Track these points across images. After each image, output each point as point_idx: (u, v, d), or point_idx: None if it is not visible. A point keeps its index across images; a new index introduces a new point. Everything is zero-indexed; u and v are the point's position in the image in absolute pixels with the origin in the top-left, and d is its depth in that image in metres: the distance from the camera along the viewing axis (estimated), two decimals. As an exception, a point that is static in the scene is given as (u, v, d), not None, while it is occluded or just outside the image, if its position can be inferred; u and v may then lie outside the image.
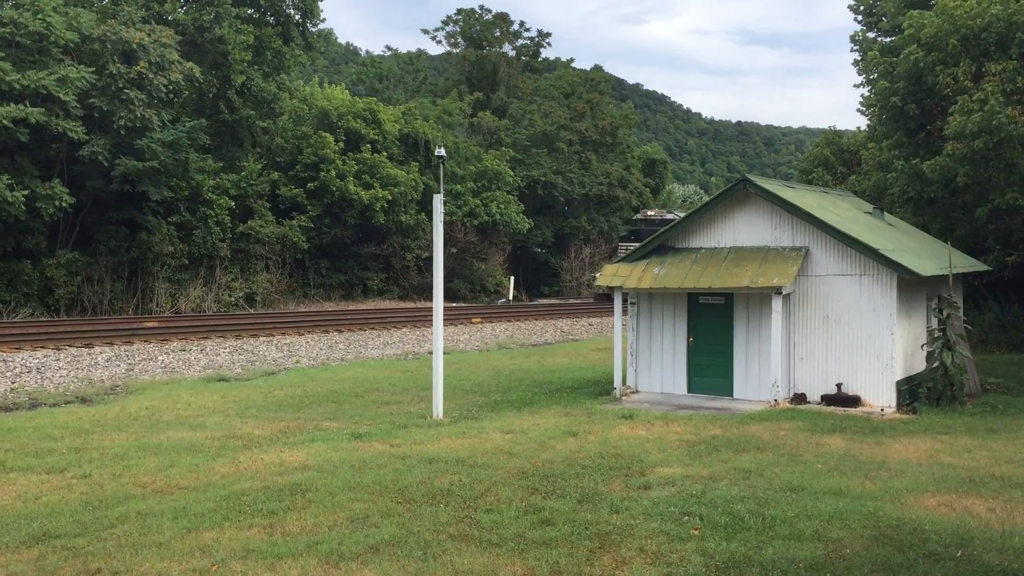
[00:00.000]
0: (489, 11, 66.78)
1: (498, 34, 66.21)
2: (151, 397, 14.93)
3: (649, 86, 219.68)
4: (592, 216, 58.52)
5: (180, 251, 31.87)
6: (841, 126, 50.52)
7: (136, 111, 28.37)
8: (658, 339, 15.30)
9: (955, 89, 20.00)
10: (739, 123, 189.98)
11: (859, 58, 30.26)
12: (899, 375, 13.78)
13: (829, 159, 35.14)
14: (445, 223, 17.09)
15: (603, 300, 38.91)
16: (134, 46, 28.54)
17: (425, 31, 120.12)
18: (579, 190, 57.82)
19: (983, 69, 19.79)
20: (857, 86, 29.62)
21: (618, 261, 15.88)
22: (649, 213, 39.68)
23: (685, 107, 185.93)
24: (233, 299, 33.20)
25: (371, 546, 6.70)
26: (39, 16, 26.21)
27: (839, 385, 13.85)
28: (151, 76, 28.75)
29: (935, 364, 13.91)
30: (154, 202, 30.92)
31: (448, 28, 67.15)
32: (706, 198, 69.78)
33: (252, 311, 32.34)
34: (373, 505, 7.83)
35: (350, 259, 40.14)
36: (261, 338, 23.08)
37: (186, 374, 18.11)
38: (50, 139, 27.72)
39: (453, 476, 8.87)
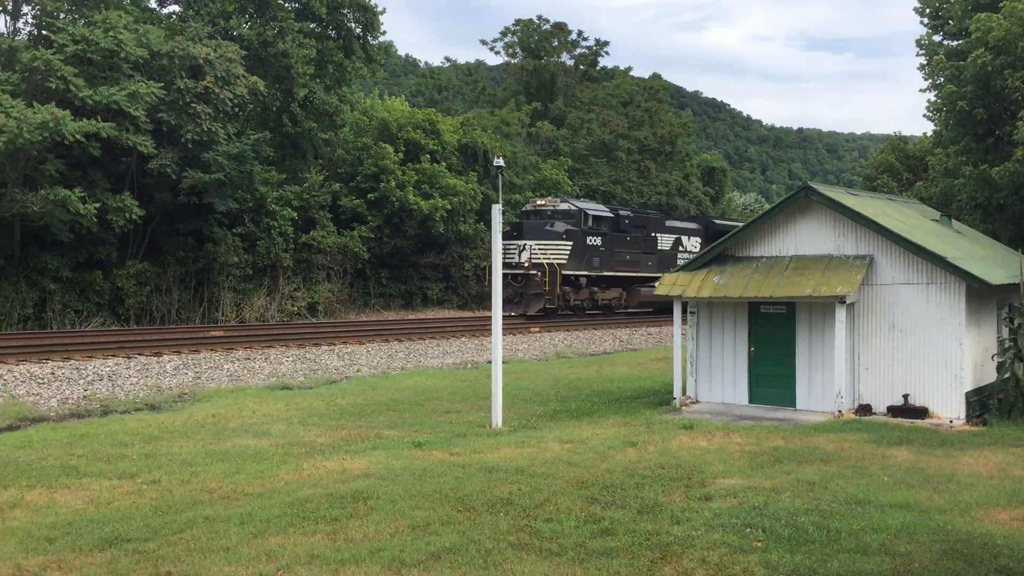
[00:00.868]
0: (547, 21, 67.00)
1: (556, 44, 66.34)
2: (217, 405, 15.23)
3: (708, 93, 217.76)
4: (651, 225, 58.30)
5: (245, 261, 32.50)
6: (906, 132, 49.54)
7: (203, 125, 29.04)
8: (718, 349, 15.16)
9: (1025, 93, 19.53)
10: (800, 130, 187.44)
11: (925, 62, 29.70)
12: (968, 386, 13.45)
13: (894, 165, 34.47)
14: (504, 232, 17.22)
15: (652, 309, 38.60)
16: (201, 61, 29.23)
17: (483, 42, 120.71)
18: (637, 199, 57.60)
19: (1055, 72, 19.30)
20: (923, 91, 29.10)
21: (677, 270, 15.79)
22: (539, 203, 35.82)
23: (745, 114, 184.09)
24: (296, 308, 33.74)
25: (432, 553, 6.77)
26: (110, 33, 26.99)
27: (906, 396, 13.58)
28: (217, 90, 29.41)
29: (1006, 375, 13.55)
30: (220, 213, 31.59)
31: (506, 39, 67.49)
32: (767, 206, 68.86)
33: (314, 320, 32.82)
34: (434, 513, 7.90)
35: (410, 269, 40.49)
36: (323, 347, 23.40)
37: (251, 382, 18.44)
38: (121, 153, 28.50)
39: (513, 485, 8.91)
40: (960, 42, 27.05)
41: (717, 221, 41.84)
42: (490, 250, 30.00)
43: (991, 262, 15.35)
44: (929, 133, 34.52)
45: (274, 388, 17.71)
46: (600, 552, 6.82)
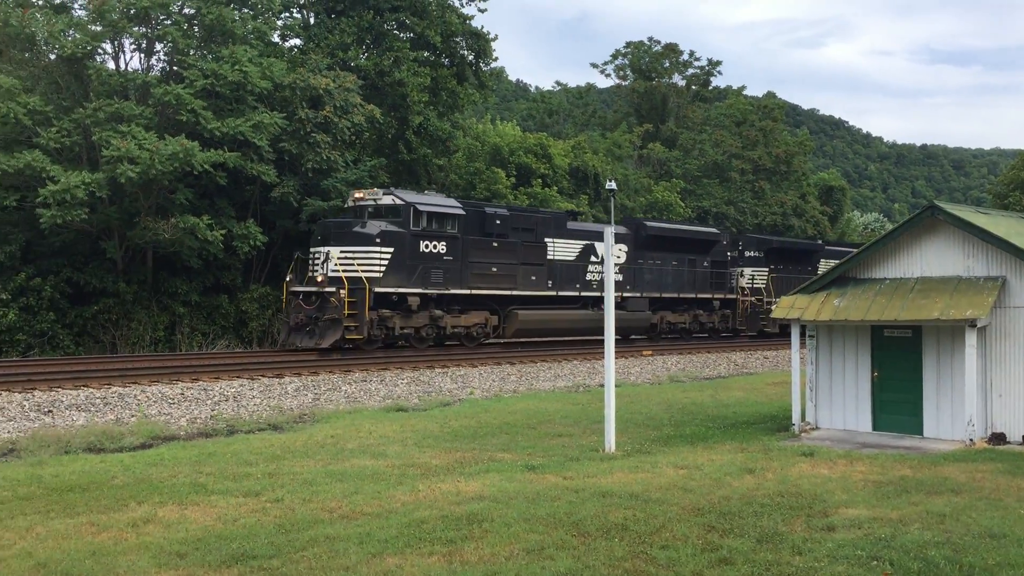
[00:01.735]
0: (658, 42, 66.80)
1: (667, 65, 65.98)
2: (336, 426, 15.60)
3: (826, 111, 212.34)
4: (766, 246, 57.12)
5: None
6: (1040, 146, 47.25)
7: (322, 153, 30.02)
8: (839, 373, 14.69)
9: None
10: (924, 146, 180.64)
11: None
12: (1113, 415, 12.62)
13: (1027, 181, 32.83)
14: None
15: (757, 333, 37.65)
16: (321, 92, 30.25)
17: (594, 65, 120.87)
18: (751, 220, 56.50)
19: None
20: (1059, 103, 27.70)
21: (795, 293, 15.41)
22: (357, 195, 26.64)
23: (864, 131, 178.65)
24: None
25: (547, 578, 6.75)
26: (236, 67, 28.21)
27: (1043, 425, 12.86)
28: (336, 120, 30.37)
29: None
30: (337, 239, 32.47)
31: (617, 61, 67.54)
32: (889, 226, 66.52)
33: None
34: (548, 537, 7.89)
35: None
36: (436, 369, 23.72)
37: (367, 404, 18.83)
38: (245, 182, 29.69)
39: (627, 510, 8.82)
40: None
41: (651, 224, 34.01)
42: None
43: None
44: (1065, 147, 33.05)
45: (389, 410, 18.03)
46: (718, 582, 6.68)
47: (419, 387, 21.25)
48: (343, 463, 11.97)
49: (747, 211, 56.93)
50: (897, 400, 14.12)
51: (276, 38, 34.82)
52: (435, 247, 25.52)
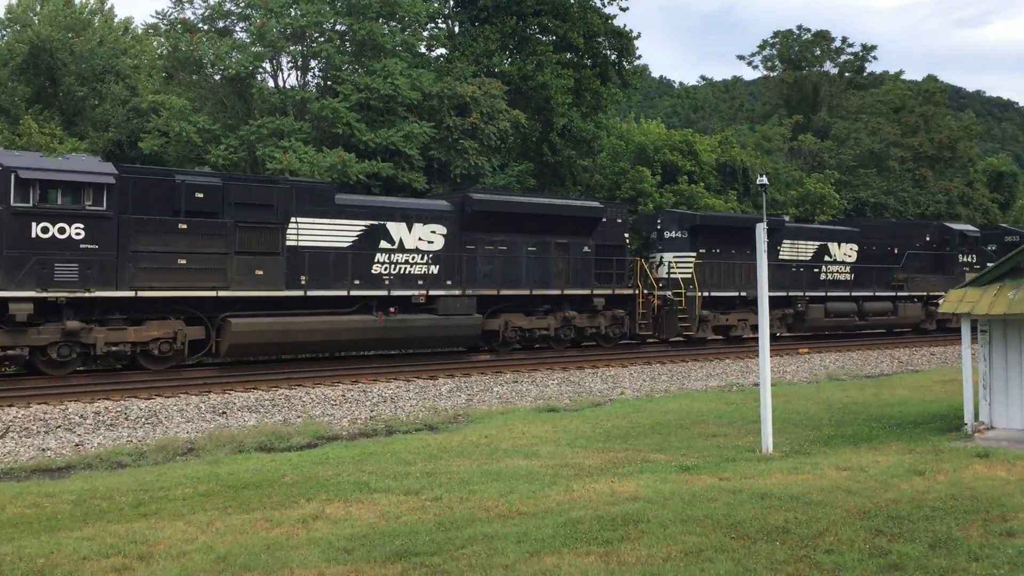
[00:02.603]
0: (808, 30, 64.63)
1: (818, 53, 63.77)
2: (489, 426, 15.85)
3: (992, 92, 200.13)
4: (930, 237, 54.26)
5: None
6: None
7: (470, 159, 30.63)
8: (1016, 370, 13.81)
9: None
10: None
11: None
12: None
13: None
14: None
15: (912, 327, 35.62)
16: (467, 99, 30.87)
17: (740, 57, 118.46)
18: (913, 210, 53.85)
19: None
20: None
21: (964, 286, 14.60)
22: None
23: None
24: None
25: (706, 580, 6.66)
26: (388, 80, 29.16)
27: None
28: (482, 126, 30.91)
29: None
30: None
31: (765, 52, 65.78)
32: (1068, 211, 62.00)
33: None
34: (706, 539, 7.79)
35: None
36: (587, 370, 23.75)
37: (519, 404, 19.04)
38: (397, 189, 30.59)
39: (788, 513, 8.59)
40: None
41: (481, 197, 24.69)
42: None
43: None
44: None
45: (541, 410, 18.17)
46: (887, 588, 6.42)
47: (570, 387, 21.33)
48: (498, 463, 12.15)
49: (908, 201, 54.29)
50: (1082, 398, 13.13)
51: (423, 49, 35.73)
52: (62, 230, 18.10)
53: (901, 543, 7.53)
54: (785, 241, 31.25)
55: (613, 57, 40.40)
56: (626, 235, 27.86)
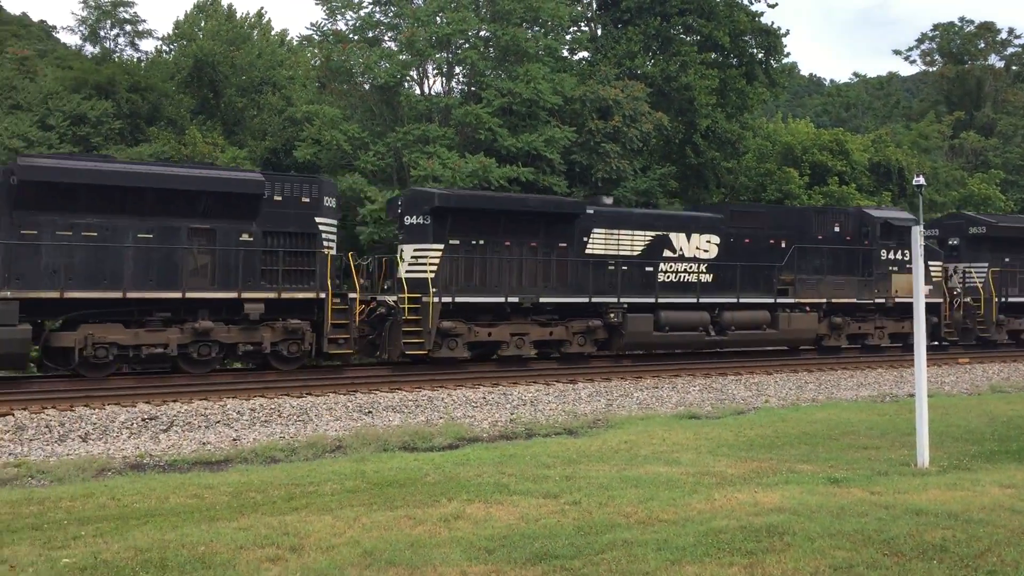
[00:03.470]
0: (971, 22, 61.31)
1: (982, 45, 60.40)
2: (629, 431, 15.73)
3: None
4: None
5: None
6: None
7: (612, 163, 30.52)
8: None
9: None
10: None
11: None
12: None
13: None
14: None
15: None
16: (609, 102, 30.79)
17: (897, 52, 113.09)
18: (1090, 211, 50.23)
19: None
20: None
21: None
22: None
23: None
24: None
25: (856, 599, 6.40)
26: (530, 85, 29.42)
27: None
28: (624, 129, 30.75)
29: None
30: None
31: (923, 46, 62.84)
32: None
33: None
34: (856, 555, 7.48)
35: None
36: (729, 376, 23.24)
37: (659, 410, 18.83)
38: (537, 193, 30.80)
39: (945, 531, 8.16)
40: None
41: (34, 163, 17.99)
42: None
43: None
44: None
45: (682, 417, 17.91)
46: (1057, 616, 6.00)
47: (711, 394, 20.93)
48: (637, 469, 12.05)
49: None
50: None
51: (565, 53, 35.86)
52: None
53: (1073, 569, 7.03)
54: (597, 230, 23.18)
55: (760, 55, 39.43)
56: (323, 220, 20.21)
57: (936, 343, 28.46)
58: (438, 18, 30.49)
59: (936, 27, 62.18)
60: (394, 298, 20.84)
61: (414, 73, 32.22)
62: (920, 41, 62.81)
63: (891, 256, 27.06)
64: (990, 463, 12.31)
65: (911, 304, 23.71)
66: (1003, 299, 29.87)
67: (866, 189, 40.98)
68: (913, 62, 64.76)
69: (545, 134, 29.42)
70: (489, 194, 24.77)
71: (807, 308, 25.79)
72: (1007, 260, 30.18)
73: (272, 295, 19.31)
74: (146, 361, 18.50)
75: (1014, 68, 61.60)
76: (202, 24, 42.81)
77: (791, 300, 25.50)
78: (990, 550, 7.55)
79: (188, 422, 15.70)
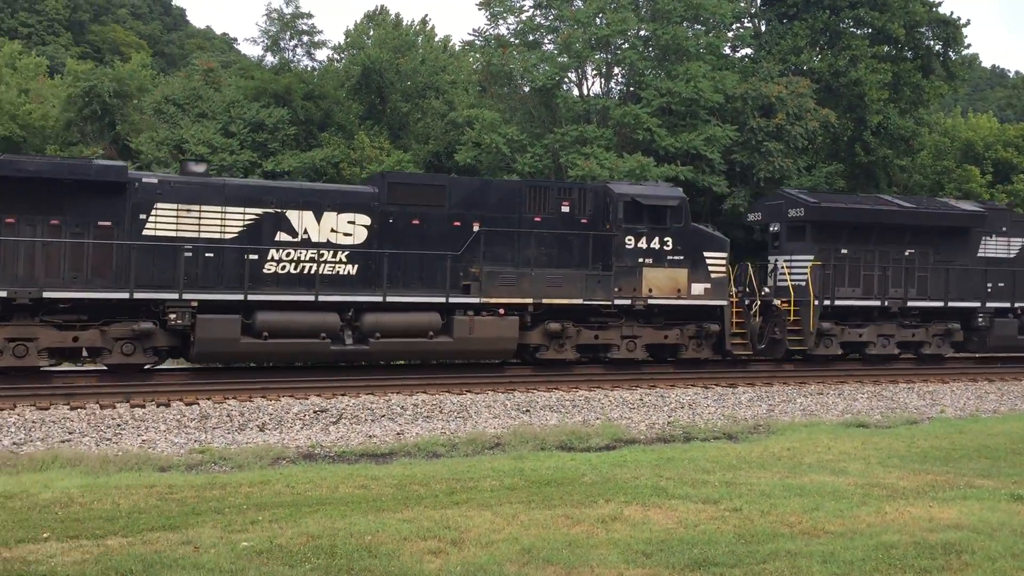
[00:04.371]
0: None
1: None
2: (792, 439, 15.27)
3: None
4: None
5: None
6: None
7: (775, 162, 29.68)
8: None
9: None
10: None
11: None
12: None
13: None
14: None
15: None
16: (772, 100, 29.96)
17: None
18: None
19: None
20: None
21: None
22: None
23: None
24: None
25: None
26: (691, 84, 29.00)
27: None
28: (788, 127, 29.84)
29: None
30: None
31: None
32: None
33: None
34: (1043, 579, 7.02)
35: None
36: (900, 384, 22.17)
37: (824, 418, 18.19)
38: (696, 194, 30.33)
39: None
40: None
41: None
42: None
43: None
44: None
45: (848, 425, 17.24)
46: None
47: (881, 402, 20.04)
48: (801, 477, 11.69)
49: None
50: None
51: (727, 50, 35.13)
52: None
53: None
54: (161, 205, 17.63)
55: (937, 47, 37.33)
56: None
57: (721, 357, 22.40)
58: (598, 19, 30.50)
59: None
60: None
61: (572, 75, 32.37)
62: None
63: (641, 245, 20.69)
64: None
65: (674, 307, 20.83)
66: (827, 301, 22.75)
67: (1057, 187, 38.19)
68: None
69: (705, 133, 28.94)
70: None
71: (501, 311, 19.54)
72: (844, 252, 23.31)
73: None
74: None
75: None
76: (371, 33, 44.43)
77: (475, 300, 19.32)
78: None
79: (356, 415, 16.34)
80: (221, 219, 17.99)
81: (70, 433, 14.18)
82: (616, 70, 32.79)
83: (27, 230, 16.70)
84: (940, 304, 24.06)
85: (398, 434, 15.27)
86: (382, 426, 15.80)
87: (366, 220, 18.95)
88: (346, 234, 18.81)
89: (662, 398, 19.26)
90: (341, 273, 18.69)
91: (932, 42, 37.14)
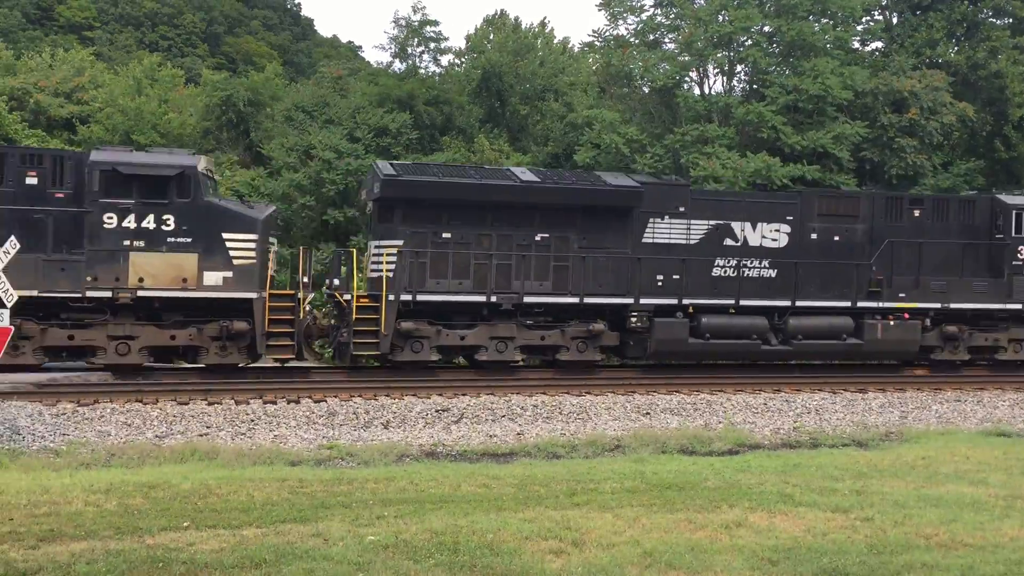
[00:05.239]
0: None
1: None
2: (926, 447, 14.69)
3: None
4: None
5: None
6: None
7: (907, 159, 28.51)
8: None
9: None
10: None
11: None
12: None
13: None
14: None
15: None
16: (905, 94, 28.79)
17: None
18: None
19: None
20: None
21: None
22: None
23: None
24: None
25: None
26: (818, 80, 28.15)
27: None
28: (923, 122, 28.63)
29: None
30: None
31: None
32: None
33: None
34: None
35: None
36: (1046, 392, 20.99)
37: (961, 425, 17.43)
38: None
39: None
40: None
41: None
42: None
43: None
44: None
45: (988, 433, 16.47)
46: None
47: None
48: (937, 487, 11.22)
49: None
50: None
51: (856, 44, 33.94)
52: None
53: None
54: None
55: (1085, 36, 35.11)
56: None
57: (253, 361, 18.31)
58: (720, 16, 29.96)
59: None
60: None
61: (693, 74, 31.88)
62: None
63: (128, 224, 16.71)
64: None
65: (181, 300, 16.40)
66: (409, 296, 18.45)
67: None
68: None
69: (833, 131, 28.03)
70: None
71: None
72: (446, 236, 18.95)
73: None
74: None
75: None
76: (491, 37, 44.86)
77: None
78: None
79: (476, 415, 16.54)
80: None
81: (207, 427, 14.86)
82: (739, 67, 32.12)
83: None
84: (574, 301, 19.24)
85: (518, 434, 15.38)
86: (502, 426, 15.94)
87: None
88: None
89: (787, 403, 18.79)
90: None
91: (1080, 30, 34.93)
